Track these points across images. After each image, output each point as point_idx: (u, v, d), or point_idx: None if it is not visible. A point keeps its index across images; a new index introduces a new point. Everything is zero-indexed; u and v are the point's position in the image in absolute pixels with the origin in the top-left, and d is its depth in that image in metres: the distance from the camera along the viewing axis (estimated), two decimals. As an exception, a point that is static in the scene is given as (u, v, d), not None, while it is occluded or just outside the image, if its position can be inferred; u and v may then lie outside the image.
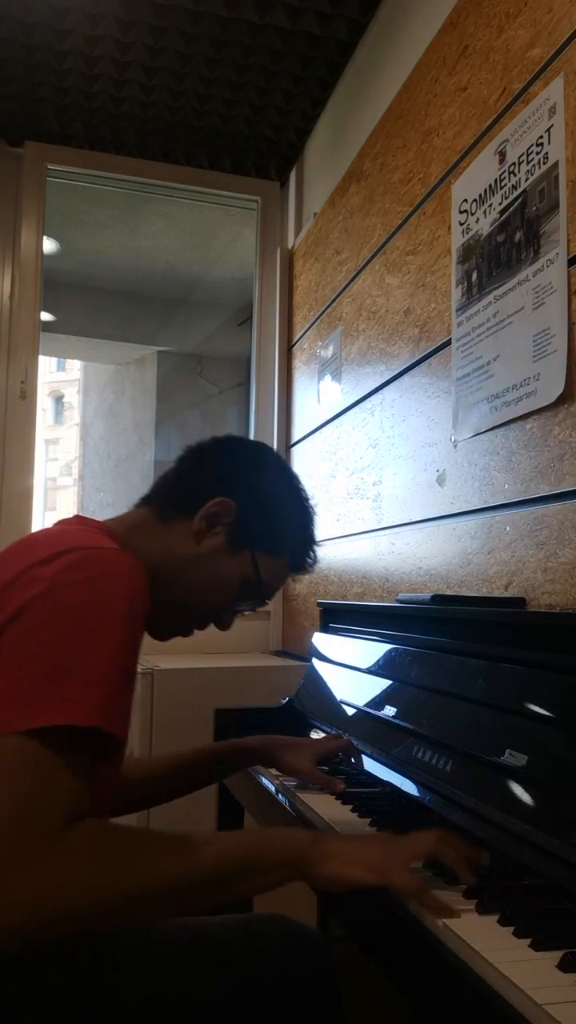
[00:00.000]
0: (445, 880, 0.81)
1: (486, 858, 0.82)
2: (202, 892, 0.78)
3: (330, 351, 2.37)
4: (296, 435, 2.72)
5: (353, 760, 1.30)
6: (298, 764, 1.23)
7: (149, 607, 0.87)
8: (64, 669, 0.76)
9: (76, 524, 1.00)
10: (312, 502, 1.12)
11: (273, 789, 1.26)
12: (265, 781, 1.30)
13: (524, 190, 1.38)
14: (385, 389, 1.95)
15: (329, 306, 2.41)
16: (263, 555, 1.04)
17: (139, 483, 4.64)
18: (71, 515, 1.04)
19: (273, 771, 1.30)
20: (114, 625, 0.80)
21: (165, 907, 0.79)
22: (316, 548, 1.11)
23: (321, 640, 1.83)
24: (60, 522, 1.02)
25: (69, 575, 0.81)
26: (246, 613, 1.10)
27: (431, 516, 1.67)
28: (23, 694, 0.74)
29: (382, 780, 1.21)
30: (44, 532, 0.98)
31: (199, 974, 0.90)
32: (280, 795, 1.23)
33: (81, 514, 1.05)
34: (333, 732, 1.41)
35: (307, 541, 1.10)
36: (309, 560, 1.11)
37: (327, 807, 1.11)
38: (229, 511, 1.01)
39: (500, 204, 1.45)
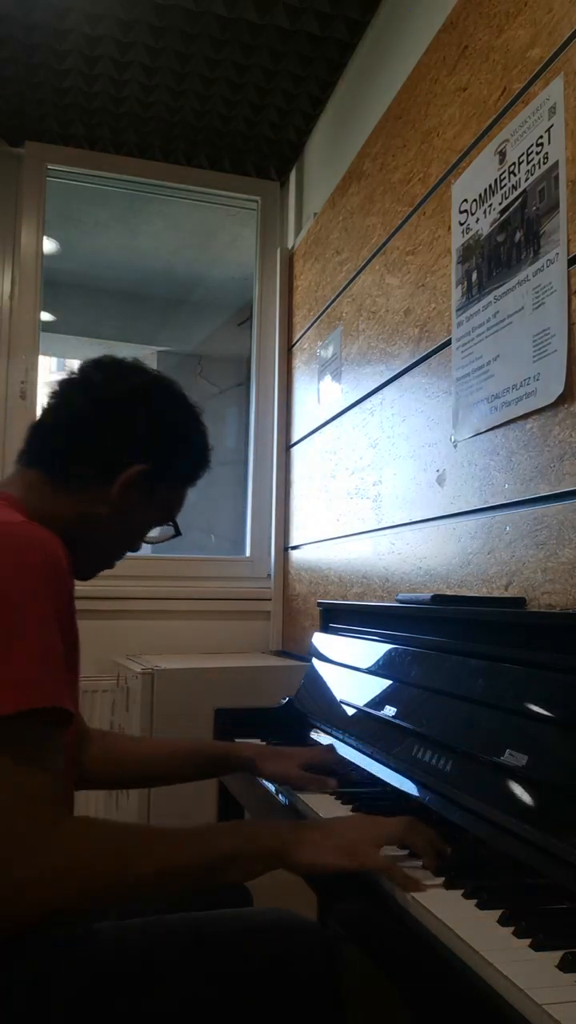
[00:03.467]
0: (449, 878, 0.81)
1: (447, 850, 0.87)
2: (190, 880, 0.85)
3: (330, 351, 2.37)
4: (296, 435, 2.72)
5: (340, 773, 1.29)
6: (284, 770, 1.25)
7: (67, 570, 0.89)
8: (24, 652, 0.78)
9: None
10: (199, 411, 1.13)
11: (273, 789, 1.26)
12: (265, 781, 1.30)
13: (524, 190, 1.38)
14: (385, 389, 1.95)
15: (329, 306, 2.41)
16: (172, 493, 1.11)
17: (139, 483, 4.64)
18: None
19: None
20: (37, 601, 0.81)
21: (158, 892, 0.86)
22: (209, 461, 1.15)
23: (321, 640, 1.83)
24: None
25: None
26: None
27: (431, 516, 1.67)
28: None
29: (378, 779, 1.21)
30: None
31: (199, 969, 0.90)
32: (280, 795, 1.23)
33: None
34: (326, 744, 1.40)
35: (206, 462, 1.14)
36: (203, 473, 1.15)
37: (327, 807, 1.11)
38: (137, 471, 1.02)
39: (500, 204, 1.45)
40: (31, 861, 0.74)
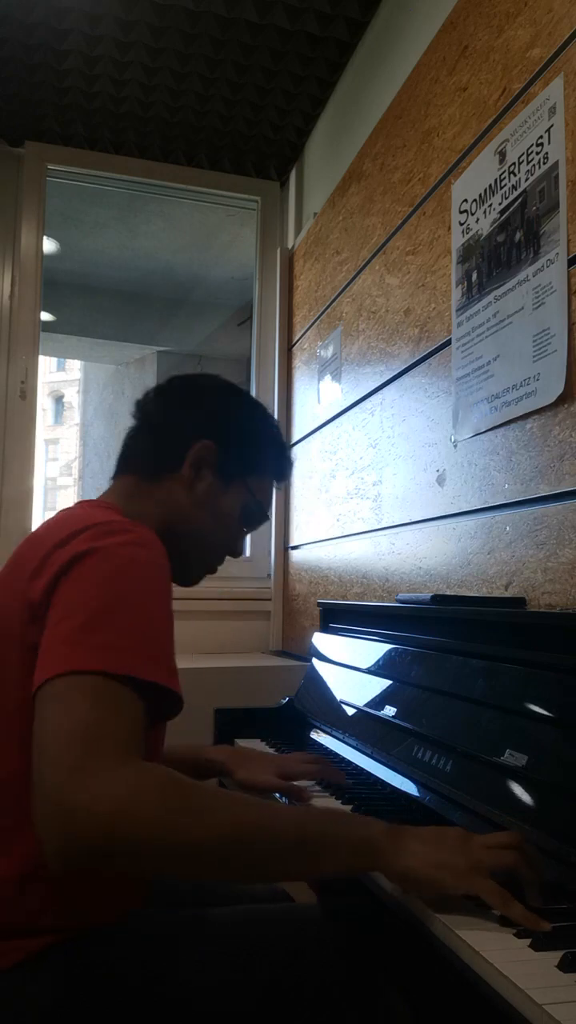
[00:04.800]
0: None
1: (538, 900, 0.75)
2: (269, 856, 0.77)
3: (330, 351, 2.37)
4: (296, 435, 2.72)
5: (334, 783, 1.21)
6: (254, 777, 1.19)
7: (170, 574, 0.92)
8: (140, 625, 0.82)
9: (85, 507, 1.06)
10: (270, 411, 1.21)
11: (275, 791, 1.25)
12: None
13: (524, 190, 1.38)
14: (385, 389, 1.95)
15: (329, 306, 2.41)
16: (252, 479, 1.13)
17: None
18: (73, 503, 1.10)
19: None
20: (165, 589, 0.87)
21: (226, 863, 0.76)
22: (290, 455, 1.20)
23: (321, 640, 1.83)
24: (63, 511, 1.07)
25: (113, 539, 0.87)
26: (237, 559, 1.21)
27: (431, 516, 1.67)
28: (106, 639, 0.79)
29: (371, 784, 1.21)
30: (60, 516, 1.02)
31: (217, 960, 0.90)
32: (281, 796, 1.22)
33: (81, 499, 1.12)
34: (307, 754, 1.30)
35: (282, 452, 1.19)
36: (288, 469, 1.20)
37: (328, 808, 1.11)
38: (211, 452, 1.08)
39: (500, 204, 1.45)
40: (86, 785, 0.69)
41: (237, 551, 1.18)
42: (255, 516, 1.16)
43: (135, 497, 1.08)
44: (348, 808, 1.10)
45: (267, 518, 1.19)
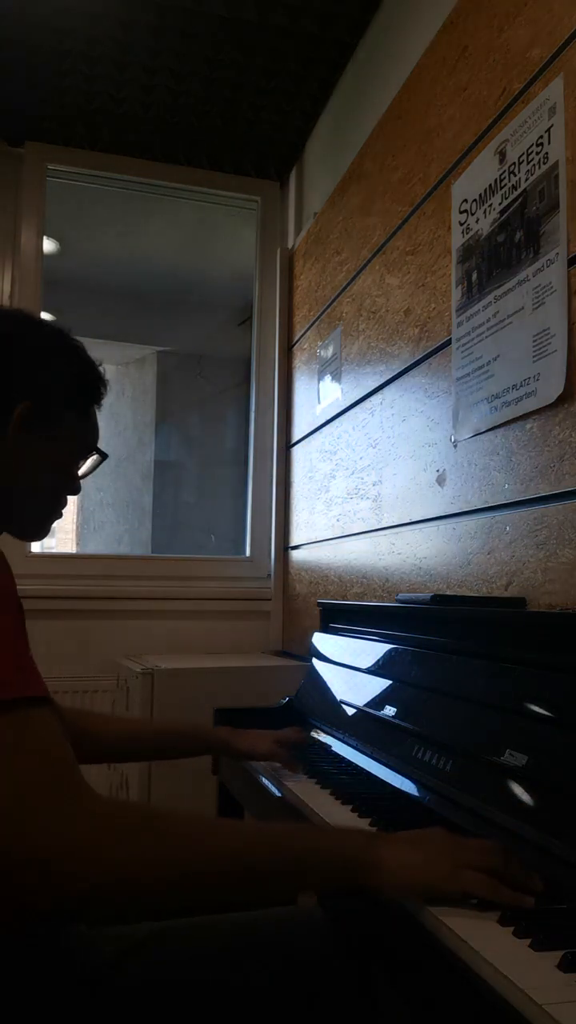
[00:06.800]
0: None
1: (539, 885, 0.77)
2: (247, 881, 0.77)
3: (330, 351, 2.37)
4: (296, 435, 2.72)
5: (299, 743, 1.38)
6: (256, 746, 1.32)
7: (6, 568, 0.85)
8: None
9: None
10: (75, 338, 1.09)
11: (275, 791, 1.26)
12: (265, 781, 1.30)
13: (524, 190, 1.38)
14: (385, 389, 1.95)
15: (329, 306, 2.41)
16: (73, 419, 1.04)
17: (139, 483, 4.64)
18: None
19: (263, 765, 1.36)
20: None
21: (212, 890, 0.77)
22: (103, 377, 1.09)
23: (321, 640, 1.83)
24: None
25: None
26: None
27: (431, 516, 1.67)
28: None
29: (353, 764, 1.21)
30: None
31: (222, 967, 0.90)
32: (282, 795, 1.23)
33: None
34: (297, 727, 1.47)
35: (96, 382, 1.08)
36: (102, 387, 1.09)
37: (328, 808, 1.11)
38: (29, 411, 0.98)
39: (500, 204, 1.45)
40: (57, 831, 0.68)
41: (77, 489, 1.09)
42: (90, 452, 1.08)
43: None
44: (348, 808, 1.10)
45: (100, 452, 1.10)
